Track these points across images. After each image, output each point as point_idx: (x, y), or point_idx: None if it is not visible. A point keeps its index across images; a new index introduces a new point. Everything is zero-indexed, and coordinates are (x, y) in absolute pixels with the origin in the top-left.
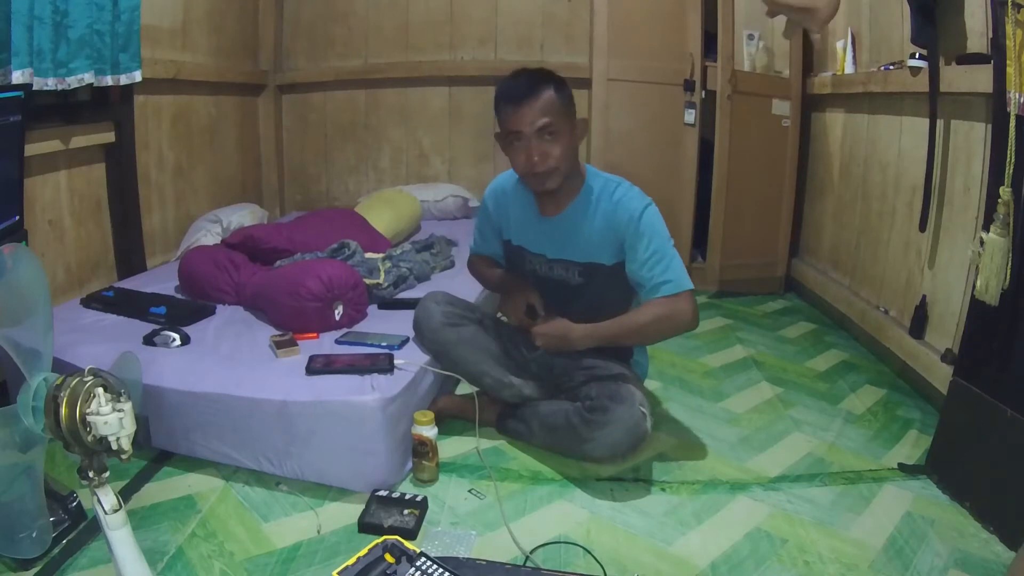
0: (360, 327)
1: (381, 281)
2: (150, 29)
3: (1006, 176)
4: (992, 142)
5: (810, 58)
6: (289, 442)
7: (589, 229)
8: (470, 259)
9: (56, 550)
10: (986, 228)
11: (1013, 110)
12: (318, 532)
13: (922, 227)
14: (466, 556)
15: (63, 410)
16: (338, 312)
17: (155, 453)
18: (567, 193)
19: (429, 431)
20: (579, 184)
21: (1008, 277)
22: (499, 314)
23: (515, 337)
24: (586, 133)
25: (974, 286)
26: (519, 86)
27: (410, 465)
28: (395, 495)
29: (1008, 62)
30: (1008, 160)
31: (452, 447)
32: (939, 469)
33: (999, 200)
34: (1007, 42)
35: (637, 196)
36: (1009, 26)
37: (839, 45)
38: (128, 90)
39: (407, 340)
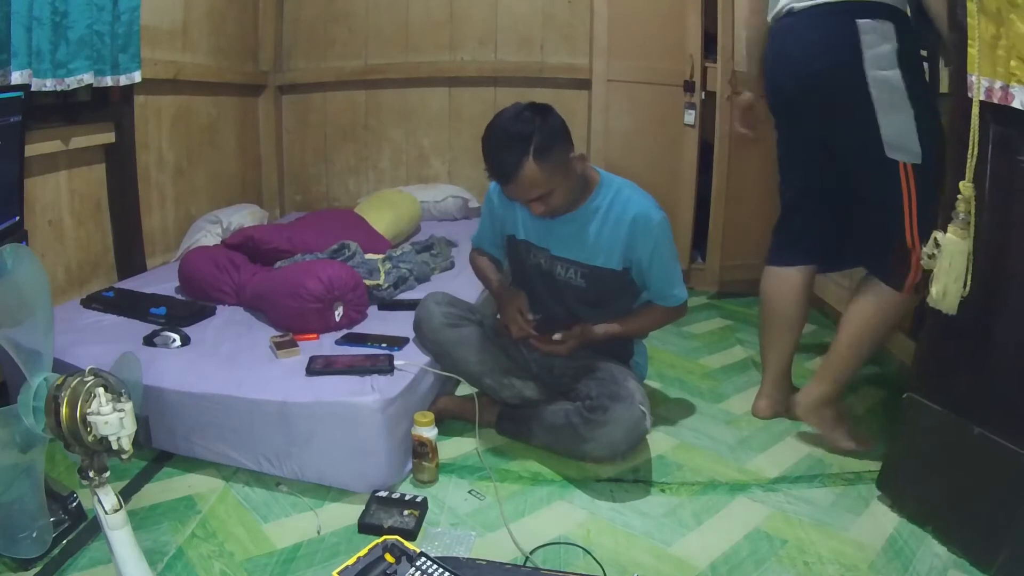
0: (360, 328)
1: (381, 282)
2: (150, 29)
3: (967, 169)
4: (952, 132)
5: None
6: (289, 443)
7: (597, 231)
8: (471, 252)
9: (56, 550)
10: (943, 228)
11: (976, 96)
12: (318, 532)
13: None
14: (466, 556)
15: (64, 410)
16: (338, 313)
17: (155, 453)
18: (578, 196)
19: (429, 432)
20: (591, 187)
21: (968, 284)
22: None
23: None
24: (586, 160)
25: (929, 294)
26: (501, 165)
27: (410, 466)
28: (395, 496)
29: (970, 42)
30: (970, 152)
31: (452, 448)
32: (891, 491)
33: (959, 196)
34: (968, 20)
35: (655, 208)
36: (971, 3)
37: None
38: (128, 90)
39: (407, 341)
